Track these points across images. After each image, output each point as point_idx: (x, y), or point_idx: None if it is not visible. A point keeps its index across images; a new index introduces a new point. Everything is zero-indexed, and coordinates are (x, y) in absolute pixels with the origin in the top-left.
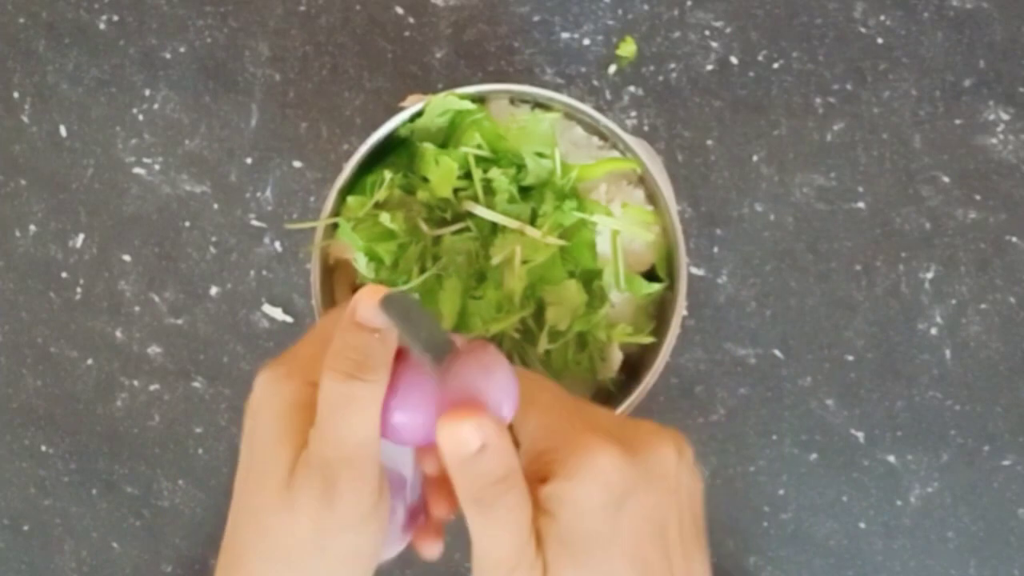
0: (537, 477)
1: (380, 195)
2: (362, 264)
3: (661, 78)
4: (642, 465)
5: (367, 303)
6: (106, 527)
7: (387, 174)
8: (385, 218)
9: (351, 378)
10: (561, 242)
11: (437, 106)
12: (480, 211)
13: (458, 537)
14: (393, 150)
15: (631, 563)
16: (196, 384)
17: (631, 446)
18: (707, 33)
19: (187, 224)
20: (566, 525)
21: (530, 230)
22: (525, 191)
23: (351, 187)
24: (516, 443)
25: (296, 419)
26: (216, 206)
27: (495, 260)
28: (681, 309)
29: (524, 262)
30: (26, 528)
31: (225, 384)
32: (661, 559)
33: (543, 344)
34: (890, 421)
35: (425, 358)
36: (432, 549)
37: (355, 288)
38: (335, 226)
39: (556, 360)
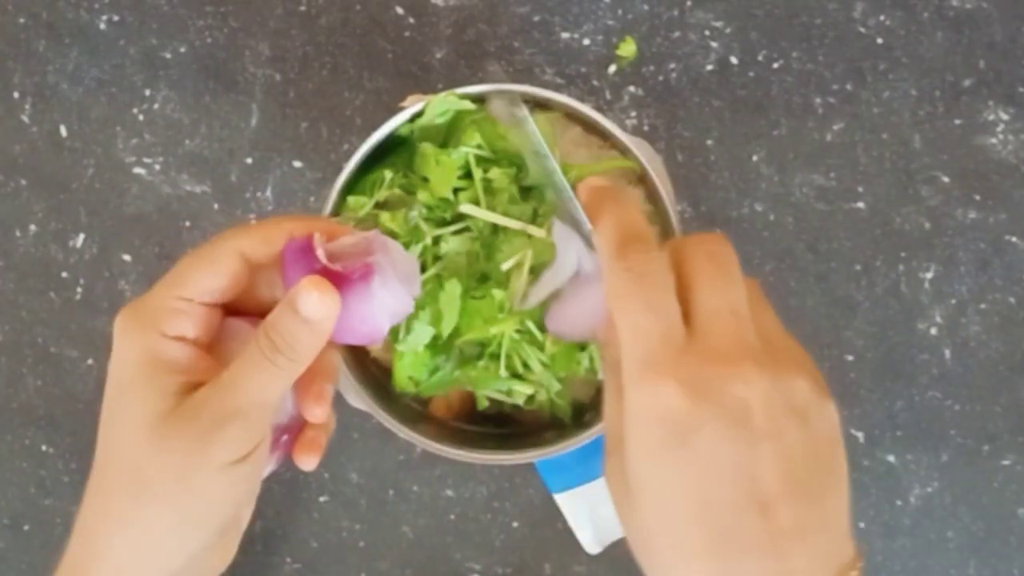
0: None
1: (380, 195)
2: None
3: (661, 78)
4: (712, 404)
5: (309, 297)
6: None
7: (387, 174)
8: (385, 218)
9: (277, 353)
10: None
11: (437, 106)
12: (479, 213)
13: (459, 537)
14: (393, 150)
15: (689, 499)
16: None
17: (704, 382)
18: (707, 33)
19: (187, 224)
20: (628, 456)
21: (533, 229)
22: (525, 191)
23: (351, 187)
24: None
25: (159, 367)
26: (216, 206)
27: (505, 265)
28: None
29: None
30: (26, 528)
31: None
32: (741, 504)
33: (549, 346)
34: (890, 421)
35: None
36: (309, 460)
37: None
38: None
39: (559, 361)
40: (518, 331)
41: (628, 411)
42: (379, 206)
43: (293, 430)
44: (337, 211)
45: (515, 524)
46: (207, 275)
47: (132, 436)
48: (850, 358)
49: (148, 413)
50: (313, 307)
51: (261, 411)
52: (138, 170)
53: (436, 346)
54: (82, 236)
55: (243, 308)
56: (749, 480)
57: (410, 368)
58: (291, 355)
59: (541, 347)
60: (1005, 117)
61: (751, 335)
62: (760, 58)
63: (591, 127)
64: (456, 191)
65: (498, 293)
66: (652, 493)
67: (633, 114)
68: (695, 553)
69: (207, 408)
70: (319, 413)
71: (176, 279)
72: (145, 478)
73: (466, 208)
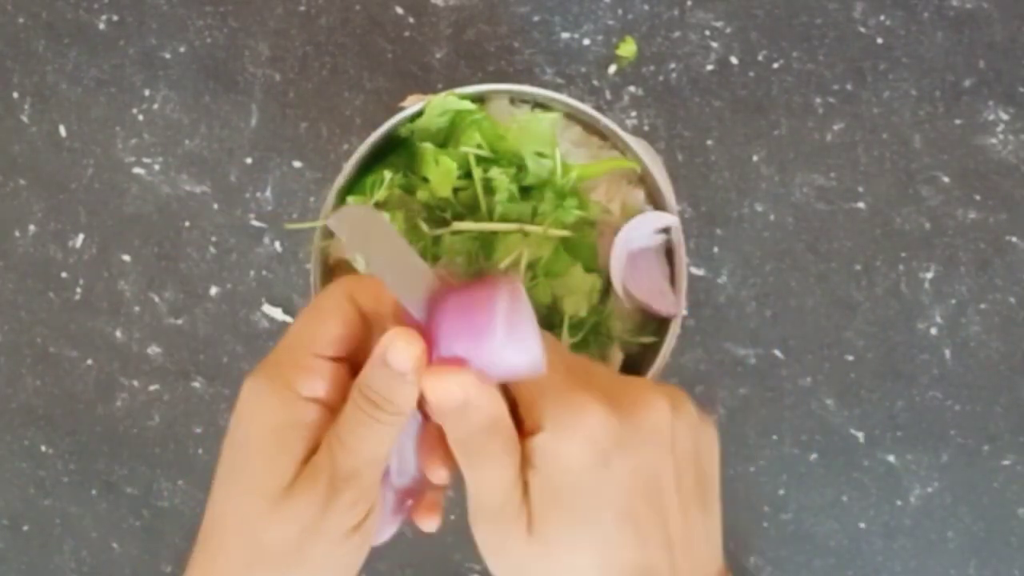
0: (527, 430)
1: (380, 195)
2: (361, 264)
3: (661, 78)
4: (631, 422)
5: (401, 349)
6: (106, 527)
7: (387, 174)
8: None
9: (377, 409)
10: (564, 232)
11: (437, 106)
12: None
13: (458, 537)
14: (393, 150)
15: (618, 518)
16: (196, 384)
17: (621, 404)
18: (707, 33)
19: (187, 224)
20: (551, 478)
21: (530, 227)
22: (525, 191)
23: (351, 187)
24: (510, 395)
25: (291, 434)
26: (216, 206)
27: (502, 265)
28: (681, 309)
29: (529, 265)
30: (26, 528)
31: (225, 384)
32: (653, 515)
33: (565, 338)
34: (890, 421)
35: (397, 291)
36: (430, 523)
37: None
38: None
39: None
40: None
41: (548, 437)
42: (379, 206)
43: (415, 493)
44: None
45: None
46: (329, 325)
47: (254, 506)
48: (850, 358)
49: (274, 483)
50: (400, 357)
51: (373, 470)
52: (138, 170)
53: None
54: (82, 236)
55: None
56: (659, 492)
57: None
58: (390, 408)
59: None
60: (1005, 117)
61: (643, 381)
62: (760, 58)
63: (591, 127)
64: (456, 191)
65: None
66: (579, 517)
67: (633, 114)
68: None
69: (323, 473)
70: (443, 475)
71: (300, 337)
72: (265, 551)
73: (459, 225)
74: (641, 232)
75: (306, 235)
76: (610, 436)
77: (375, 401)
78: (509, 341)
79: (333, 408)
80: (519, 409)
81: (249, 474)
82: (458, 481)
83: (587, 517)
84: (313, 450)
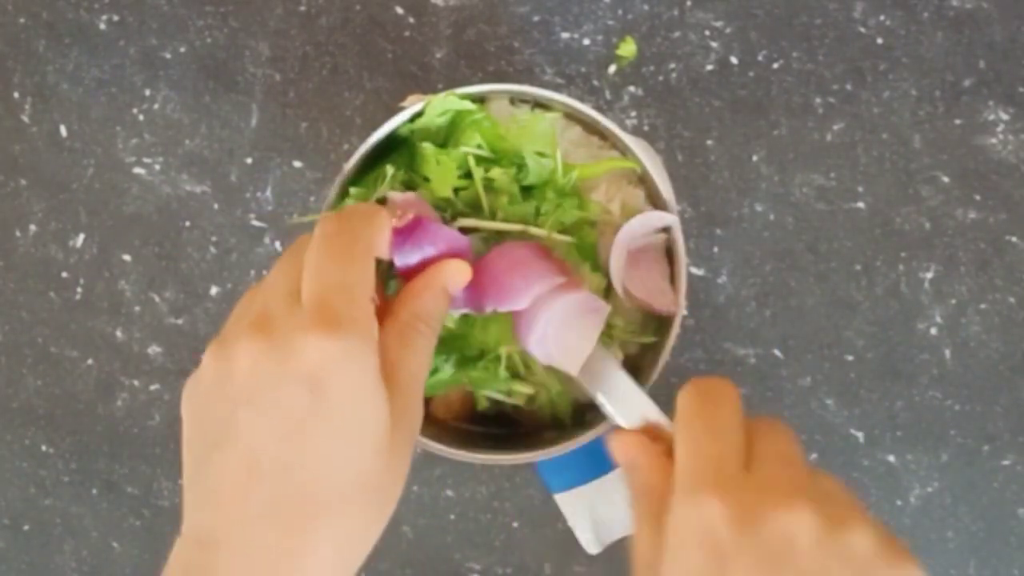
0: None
1: (382, 190)
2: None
3: (661, 78)
4: (753, 530)
5: (457, 278)
6: (106, 527)
7: (389, 169)
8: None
9: (429, 328)
10: (567, 238)
11: (437, 106)
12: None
13: (458, 537)
14: (393, 150)
15: None
16: None
17: (747, 509)
18: (707, 33)
19: (187, 224)
20: (670, 562)
21: (535, 230)
22: (526, 191)
23: (352, 185)
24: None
25: (381, 385)
26: (216, 206)
27: None
28: (681, 309)
29: None
30: (26, 528)
31: None
32: None
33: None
34: (890, 421)
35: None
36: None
37: None
38: None
39: None
40: None
41: (671, 529)
42: (380, 202)
43: None
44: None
45: (515, 524)
46: (370, 269)
47: (363, 456)
48: (850, 358)
49: (380, 429)
50: (456, 282)
51: (416, 381)
52: (138, 170)
53: (439, 348)
54: (82, 236)
55: None
56: None
57: None
58: (435, 325)
59: None
60: (1005, 117)
61: (808, 480)
62: (760, 58)
63: (591, 127)
64: (456, 191)
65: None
66: None
67: (633, 114)
68: None
69: (398, 406)
70: None
71: (360, 285)
72: (383, 493)
73: (464, 222)
74: (641, 231)
75: (306, 235)
76: (727, 539)
77: (428, 323)
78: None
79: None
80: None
81: (357, 427)
82: (456, 481)
83: None
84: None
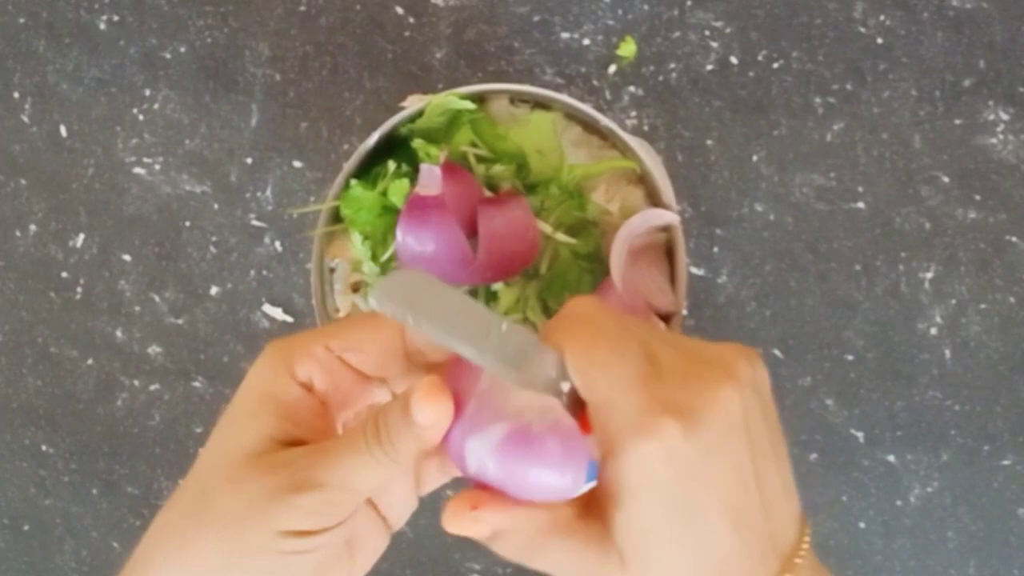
0: (603, 454)
1: (384, 184)
2: (357, 242)
3: (661, 78)
4: (704, 430)
5: (428, 407)
6: (106, 527)
7: (391, 164)
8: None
9: (377, 443)
10: (570, 240)
11: (437, 106)
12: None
13: (458, 537)
14: (394, 150)
15: (721, 514)
16: (196, 384)
17: (690, 412)
18: (707, 33)
19: (187, 224)
20: (636, 514)
21: (541, 225)
22: (529, 188)
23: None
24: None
25: (266, 405)
26: (216, 206)
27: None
28: (681, 309)
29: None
30: (26, 528)
31: (225, 384)
32: (749, 498)
33: None
34: (890, 421)
35: (498, 369)
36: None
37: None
38: (337, 221)
39: None
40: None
41: (630, 466)
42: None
43: None
44: (336, 210)
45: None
46: (362, 334)
47: (217, 464)
48: (850, 358)
49: (240, 448)
50: (423, 411)
51: (343, 495)
52: (138, 170)
53: None
54: (82, 236)
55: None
56: (743, 480)
57: None
58: (390, 452)
59: None
60: (1005, 117)
61: (687, 347)
62: (760, 58)
63: (591, 127)
64: None
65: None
66: (679, 531)
67: (633, 114)
68: (732, 551)
69: (292, 467)
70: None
71: (330, 329)
72: (210, 510)
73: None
74: (641, 229)
75: (306, 235)
76: (685, 456)
77: (380, 434)
78: (546, 463)
79: (325, 404)
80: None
81: (225, 433)
82: (457, 481)
83: (693, 529)
84: (294, 440)
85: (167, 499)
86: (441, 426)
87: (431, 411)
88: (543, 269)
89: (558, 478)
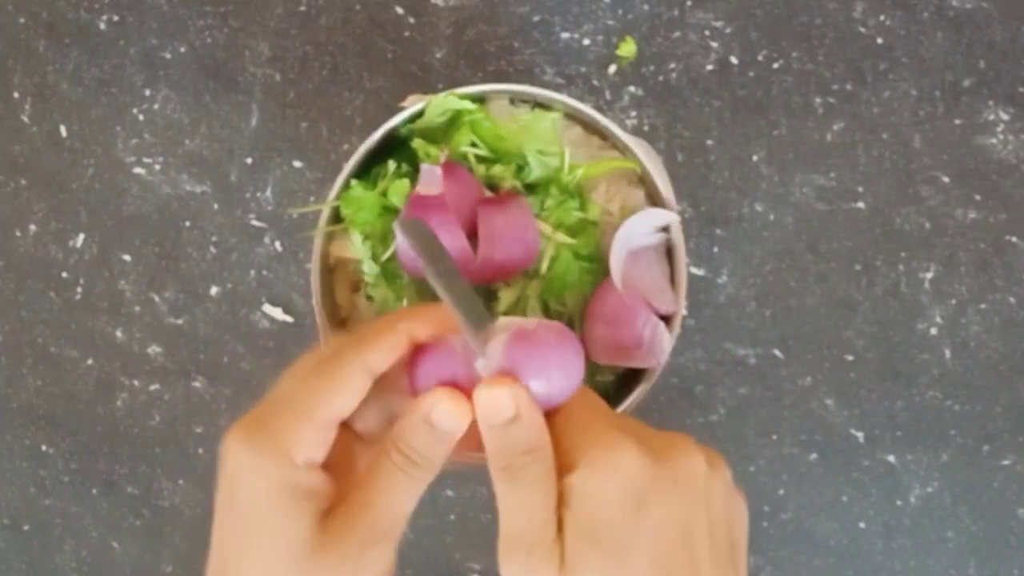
0: (562, 468)
1: (384, 184)
2: (357, 243)
3: (661, 78)
4: (667, 469)
5: (447, 412)
6: (106, 527)
7: (391, 164)
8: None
9: (413, 466)
10: (570, 240)
11: (437, 106)
12: None
13: (458, 537)
14: (394, 150)
15: (652, 565)
16: (196, 384)
17: (657, 451)
18: (707, 33)
19: (187, 224)
20: (585, 517)
21: (541, 225)
22: (529, 188)
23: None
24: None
25: (300, 499)
26: (216, 206)
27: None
28: (681, 309)
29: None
30: (26, 528)
31: (225, 384)
32: (686, 566)
33: None
34: (890, 421)
35: (467, 328)
36: None
37: (354, 287)
38: (337, 220)
39: None
40: None
41: (584, 475)
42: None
43: None
44: (337, 211)
45: None
46: (338, 401)
47: (273, 568)
48: (850, 358)
49: (291, 544)
50: (446, 419)
51: (401, 523)
52: (138, 170)
53: None
54: (82, 236)
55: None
56: (692, 539)
57: None
58: (427, 466)
59: None
60: (1005, 117)
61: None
62: (760, 58)
63: (591, 127)
64: None
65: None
66: (613, 561)
67: (633, 114)
68: None
69: (352, 532)
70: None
71: (305, 406)
72: None
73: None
74: (641, 229)
75: (306, 235)
76: (646, 477)
77: (411, 458)
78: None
79: (328, 466)
80: (555, 449)
81: (259, 540)
82: (456, 481)
83: (621, 561)
84: (324, 512)
85: None
86: (465, 425)
87: (457, 416)
88: (543, 269)
89: (562, 361)
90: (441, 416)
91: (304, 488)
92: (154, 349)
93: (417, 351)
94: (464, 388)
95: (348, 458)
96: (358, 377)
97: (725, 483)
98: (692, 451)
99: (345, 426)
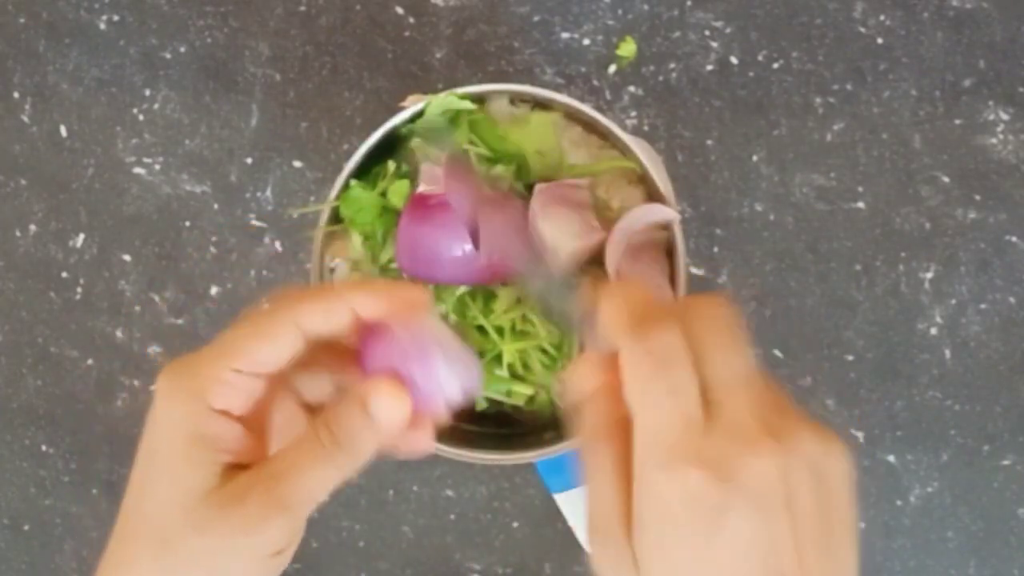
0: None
1: (384, 184)
2: (357, 243)
3: (661, 78)
4: (731, 488)
5: (387, 404)
6: (106, 527)
7: (391, 164)
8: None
9: (338, 449)
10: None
11: (437, 106)
12: None
13: (458, 537)
14: (394, 150)
15: None
16: None
17: (721, 468)
18: (707, 33)
19: (187, 224)
20: (653, 543)
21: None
22: (529, 188)
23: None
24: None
25: (204, 446)
26: (216, 206)
27: None
28: None
29: None
30: (26, 528)
31: None
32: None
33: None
34: (890, 421)
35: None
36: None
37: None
38: (337, 220)
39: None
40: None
41: (649, 499)
42: (383, 195)
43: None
44: (337, 211)
45: (515, 524)
46: (262, 348)
47: (167, 513)
48: (850, 358)
49: (187, 491)
50: (385, 410)
51: (310, 506)
52: (138, 170)
53: None
54: (82, 236)
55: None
56: (776, 555)
57: None
58: (353, 453)
59: (542, 348)
60: (1005, 117)
61: (763, 405)
62: (760, 58)
63: (591, 127)
64: None
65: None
66: None
67: (633, 114)
68: None
69: (254, 496)
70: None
71: (228, 348)
72: (178, 558)
73: None
74: (641, 224)
75: (306, 235)
76: (712, 501)
77: (338, 439)
78: (453, 372)
79: (245, 422)
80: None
81: (159, 479)
82: (456, 481)
83: None
84: (232, 466)
85: (106, 552)
86: (401, 420)
87: (395, 410)
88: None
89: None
90: (378, 405)
91: (209, 435)
92: (154, 349)
93: (368, 334)
94: (409, 383)
95: (289, 426)
96: (287, 331)
97: (809, 461)
98: (760, 454)
99: (292, 392)
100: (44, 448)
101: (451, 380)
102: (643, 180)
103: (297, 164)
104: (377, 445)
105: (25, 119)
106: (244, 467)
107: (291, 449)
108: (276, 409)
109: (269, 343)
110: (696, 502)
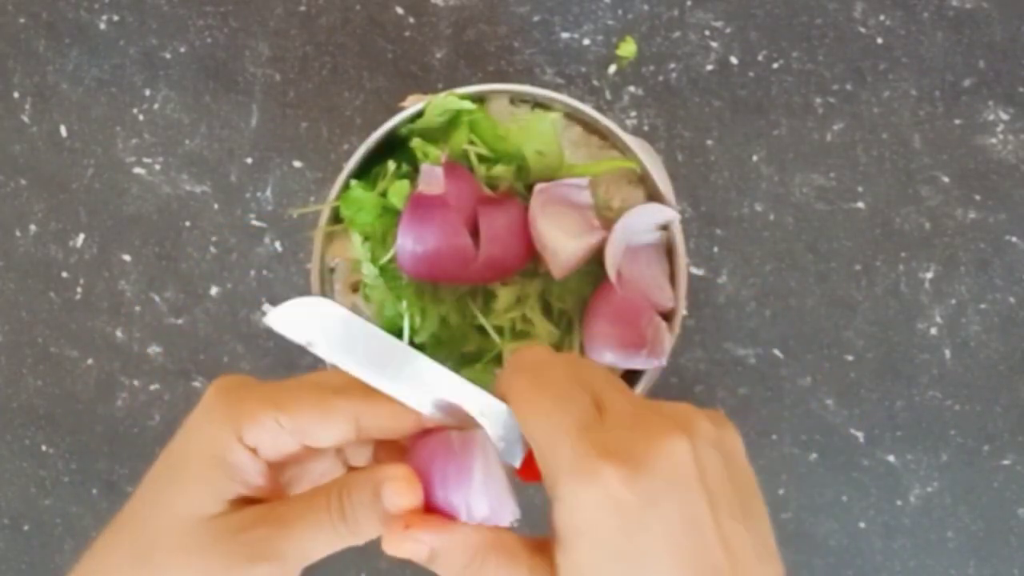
0: (550, 501)
1: (383, 185)
2: (357, 243)
3: (661, 78)
4: (648, 478)
5: (397, 493)
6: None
7: (391, 164)
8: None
9: (342, 521)
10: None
11: (437, 106)
12: None
13: None
14: (394, 150)
15: (674, 571)
16: (196, 384)
17: (632, 459)
18: (707, 33)
19: (187, 224)
20: (581, 555)
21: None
22: (529, 189)
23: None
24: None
25: (220, 470)
26: (216, 206)
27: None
28: (681, 309)
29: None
30: (26, 528)
31: None
32: (709, 554)
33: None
34: (890, 421)
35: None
36: None
37: (354, 287)
38: (337, 220)
39: None
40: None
41: (569, 513)
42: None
43: None
44: (337, 212)
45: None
46: (313, 423)
47: (166, 528)
48: (850, 358)
49: (192, 509)
50: (396, 500)
51: (300, 563)
52: (138, 170)
53: (436, 346)
54: (82, 236)
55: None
56: (700, 532)
57: None
58: (354, 530)
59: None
60: (1005, 117)
61: (651, 404)
62: (760, 58)
63: (591, 127)
64: None
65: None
66: None
67: (633, 114)
68: None
69: (250, 536)
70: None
71: (284, 401)
72: (161, 569)
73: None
74: (641, 224)
75: (306, 235)
76: (632, 503)
77: (345, 512)
78: (485, 491)
79: (271, 465)
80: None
81: (172, 489)
82: None
83: None
84: (244, 499)
85: (95, 543)
86: (402, 508)
87: (404, 501)
88: (543, 269)
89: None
90: (388, 491)
91: (230, 462)
92: (154, 349)
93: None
94: (438, 484)
95: (326, 477)
96: (345, 422)
97: (709, 439)
98: (666, 436)
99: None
100: (44, 448)
101: (480, 499)
102: (643, 180)
103: (297, 164)
104: (379, 528)
105: (25, 119)
106: (256, 501)
107: (304, 501)
108: (317, 458)
109: (320, 422)
110: (619, 506)
